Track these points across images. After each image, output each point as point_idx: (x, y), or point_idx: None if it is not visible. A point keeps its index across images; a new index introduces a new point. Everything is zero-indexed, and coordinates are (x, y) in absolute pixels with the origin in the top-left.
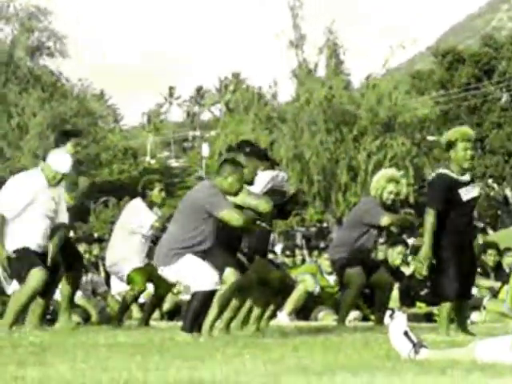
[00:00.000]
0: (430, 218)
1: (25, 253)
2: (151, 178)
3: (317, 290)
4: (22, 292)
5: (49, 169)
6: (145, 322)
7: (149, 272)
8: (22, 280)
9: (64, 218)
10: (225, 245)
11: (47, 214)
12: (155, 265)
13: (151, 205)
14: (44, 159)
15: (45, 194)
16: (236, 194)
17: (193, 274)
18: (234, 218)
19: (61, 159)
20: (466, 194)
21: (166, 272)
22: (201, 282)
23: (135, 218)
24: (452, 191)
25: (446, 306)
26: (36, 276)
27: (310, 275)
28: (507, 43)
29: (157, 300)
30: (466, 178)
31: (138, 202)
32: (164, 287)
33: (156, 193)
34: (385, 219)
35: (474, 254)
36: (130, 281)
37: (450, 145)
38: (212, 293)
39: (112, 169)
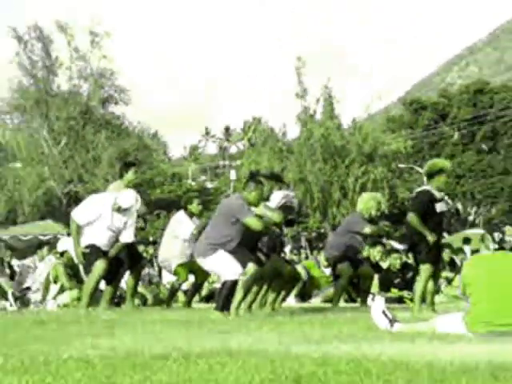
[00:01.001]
0: (415, 219)
1: (92, 249)
2: (190, 195)
3: (305, 277)
4: (90, 279)
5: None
6: (188, 304)
7: (190, 266)
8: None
9: (127, 237)
10: (247, 245)
11: (111, 228)
12: (195, 256)
13: (191, 215)
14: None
15: (109, 212)
16: (257, 205)
17: (223, 267)
18: (255, 224)
19: (125, 196)
20: (439, 207)
21: (203, 262)
22: (228, 273)
23: (179, 226)
24: (431, 203)
25: (427, 268)
26: (100, 266)
27: (302, 267)
28: (457, 95)
29: (196, 287)
30: (441, 195)
31: (181, 214)
32: (201, 276)
33: (195, 206)
34: (367, 229)
35: (441, 250)
36: (176, 273)
37: (434, 174)
38: (236, 282)
39: (163, 189)
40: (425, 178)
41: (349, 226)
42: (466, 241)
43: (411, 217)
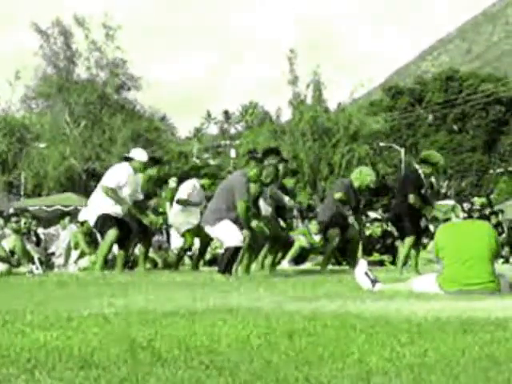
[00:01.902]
0: (417, 199)
1: (106, 218)
2: (208, 172)
3: (307, 245)
4: (103, 245)
5: (135, 162)
6: (195, 267)
7: (196, 231)
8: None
9: (140, 196)
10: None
11: (130, 195)
12: (203, 224)
13: (203, 187)
14: (126, 159)
15: (131, 178)
16: (256, 181)
17: (227, 234)
18: (241, 208)
19: (140, 152)
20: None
21: (210, 230)
22: (231, 240)
23: (180, 191)
24: (418, 183)
25: (412, 239)
26: (111, 234)
27: (303, 236)
28: (431, 82)
29: (201, 251)
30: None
31: (190, 182)
32: (206, 241)
33: (207, 180)
34: (337, 194)
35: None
36: (183, 236)
37: (429, 163)
38: (237, 248)
39: (171, 166)
40: (402, 153)
41: (332, 190)
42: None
43: (413, 198)
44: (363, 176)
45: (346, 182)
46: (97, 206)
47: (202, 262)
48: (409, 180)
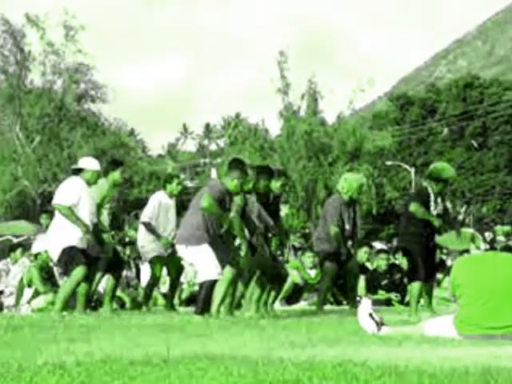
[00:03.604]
0: (419, 208)
1: (73, 251)
2: (171, 173)
3: (301, 281)
4: (68, 284)
5: (87, 173)
6: (170, 306)
7: (166, 259)
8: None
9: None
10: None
11: (91, 211)
12: (176, 242)
13: (171, 196)
14: (75, 172)
15: (88, 195)
16: (236, 194)
17: (203, 264)
18: (209, 205)
19: (91, 161)
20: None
21: (184, 251)
22: (208, 272)
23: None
24: (427, 203)
25: (416, 287)
26: (80, 272)
27: (296, 271)
28: (446, 90)
29: (174, 285)
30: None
31: (156, 196)
32: (176, 274)
33: (174, 186)
34: (332, 227)
35: (435, 250)
36: (151, 262)
37: (439, 179)
38: (215, 282)
39: (141, 188)
40: (413, 174)
41: (325, 213)
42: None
43: (414, 206)
44: (349, 183)
45: (336, 200)
46: (60, 235)
47: (177, 302)
48: (415, 194)
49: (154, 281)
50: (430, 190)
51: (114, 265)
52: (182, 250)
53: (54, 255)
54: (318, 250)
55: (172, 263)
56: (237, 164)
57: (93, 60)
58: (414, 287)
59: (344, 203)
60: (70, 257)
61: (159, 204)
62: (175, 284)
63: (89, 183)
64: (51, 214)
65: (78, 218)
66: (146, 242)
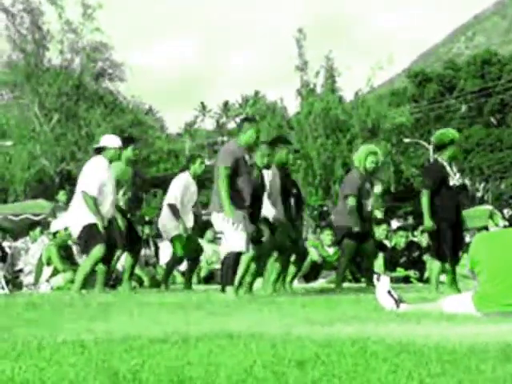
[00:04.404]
0: (424, 199)
1: (92, 230)
2: (194, 154)
3: (320, 259)
4: (87, 263)
5: (109, 151)
6: (187, 285)
7: (186, 241)
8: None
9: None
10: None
11: (113, 192)
12: (210, 209)
13: (194, 176)
14: (98, 151)
15: (109, 176)
16: (255, 143)
17: (231, 235)
18: (222, 174)
19: (112, 138)
20: (456, 179)
21: (216, 217)
22: (235, 244)
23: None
24: (444, 177)
25: (438, 264)
26: (98, 251)
27: (314, 248)
28: (465, 66)
29: (191, 266)
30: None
31: (182, 177)
32: (196, 253)
33: (197, 165)
34: (351, 202)
35: (462, 226)
36: (172, 241)
37: (446, 145)
38: (240, 254)
39: (159, 167)
40: (431, 151)
41: (343, 188)
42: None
43: (423, 194)
44: (359, 154)
45: (355, 176)
46: (81, 212)
47: (196, 280)
48: (427, 175)
49: (175, 260)
50: (441, 160)
51: (132, 243)
52: (214, 217)
53: (75, 232)
54: (337, 225)
55: (191, 244)
56: (247, 119)
57: (110, 39)
58: (436, 265)
59: (361, 177)
60: (90, 235)
61: (184, 186)
62: (194, 264)
63: (111, 161)
64: (68, 191)
65: (98, 211)
66: (167, 221)
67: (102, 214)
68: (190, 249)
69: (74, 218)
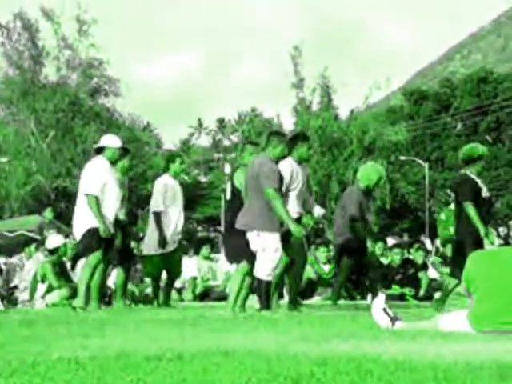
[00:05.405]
0: (472, 210)
1: (94, 236)
2: (173, 153)
3: (315, 276)
4: (84, 272)
5: (109, 151)
6: (165, 303)
7: (165, 259)
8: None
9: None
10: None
11: (118, 197)
12: (242, 227)
13: (175, 176)
14: (98, 151)
15: (113, 178)
16: (284, 157)
17: (265, 259)
18: (273, 197)
19: (112, 138)
20: (485, 192)
21: (253, 236)
22: (263, 272)
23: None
24: (478, 190)
25: (455, 283)
26: (95, 257)
27: (310, 265)
28: (460, 85)
29: (170, 284)
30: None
31: (161, 180)
32: (176, 272)
33: (177, 165)
34: (352, 216)
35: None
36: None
37: (474, 160)
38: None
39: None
40: (426, 169)
41: (344, 204)
42: None
43: (467, 206)
44: (369, 173)
45: (355, 191)
46: (87, 215)
47: (191, 296)
48: (463, 188)
49: (153, 279)
50: (470, 175)
51: (124, 258)
52: (252, 237)
53: (78, 234)
54: (336, 243)
55: (164, 263)
56: (277, 133)
57: (106, 54)
58: (453, 283)
59: (362, 194)
60: (90, 240)
61: (165, 190)
62: (170, 282)
63: (111, 161)
64: (64, 208)
65: (101, 214)
66: (147, 236)
67: (105, 215)
68: (158, 268)
69: (80, 220)
